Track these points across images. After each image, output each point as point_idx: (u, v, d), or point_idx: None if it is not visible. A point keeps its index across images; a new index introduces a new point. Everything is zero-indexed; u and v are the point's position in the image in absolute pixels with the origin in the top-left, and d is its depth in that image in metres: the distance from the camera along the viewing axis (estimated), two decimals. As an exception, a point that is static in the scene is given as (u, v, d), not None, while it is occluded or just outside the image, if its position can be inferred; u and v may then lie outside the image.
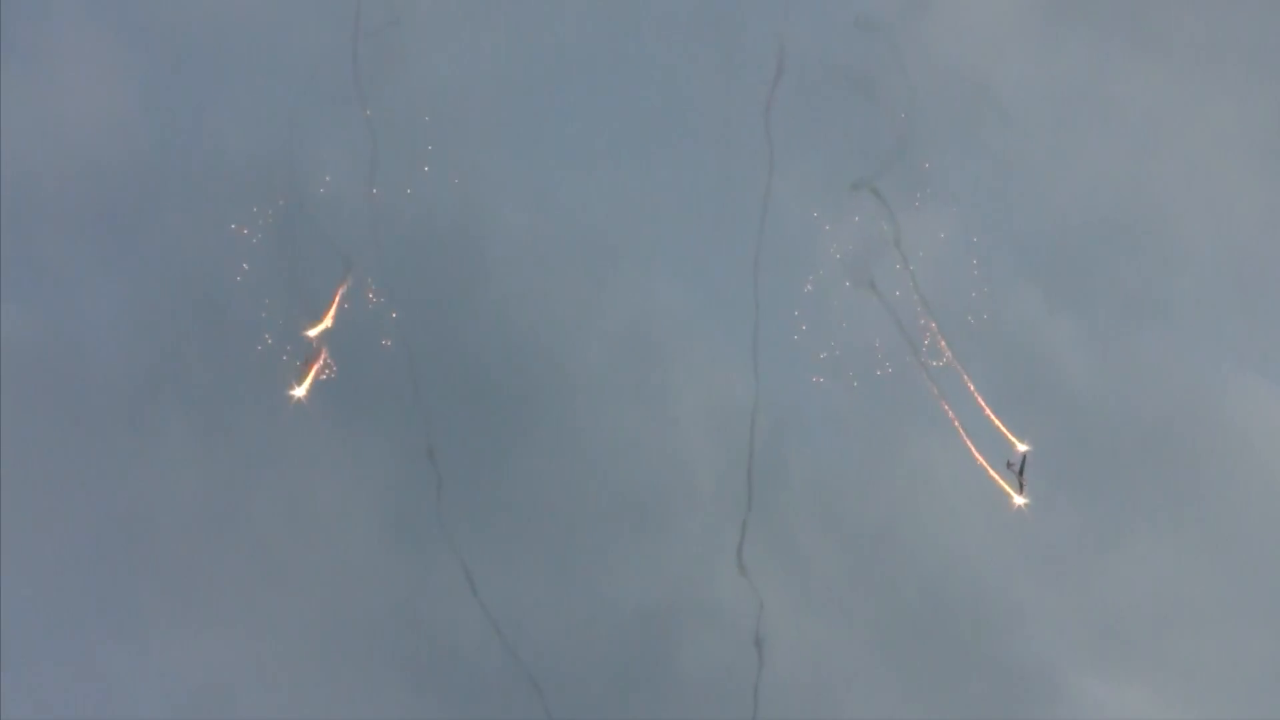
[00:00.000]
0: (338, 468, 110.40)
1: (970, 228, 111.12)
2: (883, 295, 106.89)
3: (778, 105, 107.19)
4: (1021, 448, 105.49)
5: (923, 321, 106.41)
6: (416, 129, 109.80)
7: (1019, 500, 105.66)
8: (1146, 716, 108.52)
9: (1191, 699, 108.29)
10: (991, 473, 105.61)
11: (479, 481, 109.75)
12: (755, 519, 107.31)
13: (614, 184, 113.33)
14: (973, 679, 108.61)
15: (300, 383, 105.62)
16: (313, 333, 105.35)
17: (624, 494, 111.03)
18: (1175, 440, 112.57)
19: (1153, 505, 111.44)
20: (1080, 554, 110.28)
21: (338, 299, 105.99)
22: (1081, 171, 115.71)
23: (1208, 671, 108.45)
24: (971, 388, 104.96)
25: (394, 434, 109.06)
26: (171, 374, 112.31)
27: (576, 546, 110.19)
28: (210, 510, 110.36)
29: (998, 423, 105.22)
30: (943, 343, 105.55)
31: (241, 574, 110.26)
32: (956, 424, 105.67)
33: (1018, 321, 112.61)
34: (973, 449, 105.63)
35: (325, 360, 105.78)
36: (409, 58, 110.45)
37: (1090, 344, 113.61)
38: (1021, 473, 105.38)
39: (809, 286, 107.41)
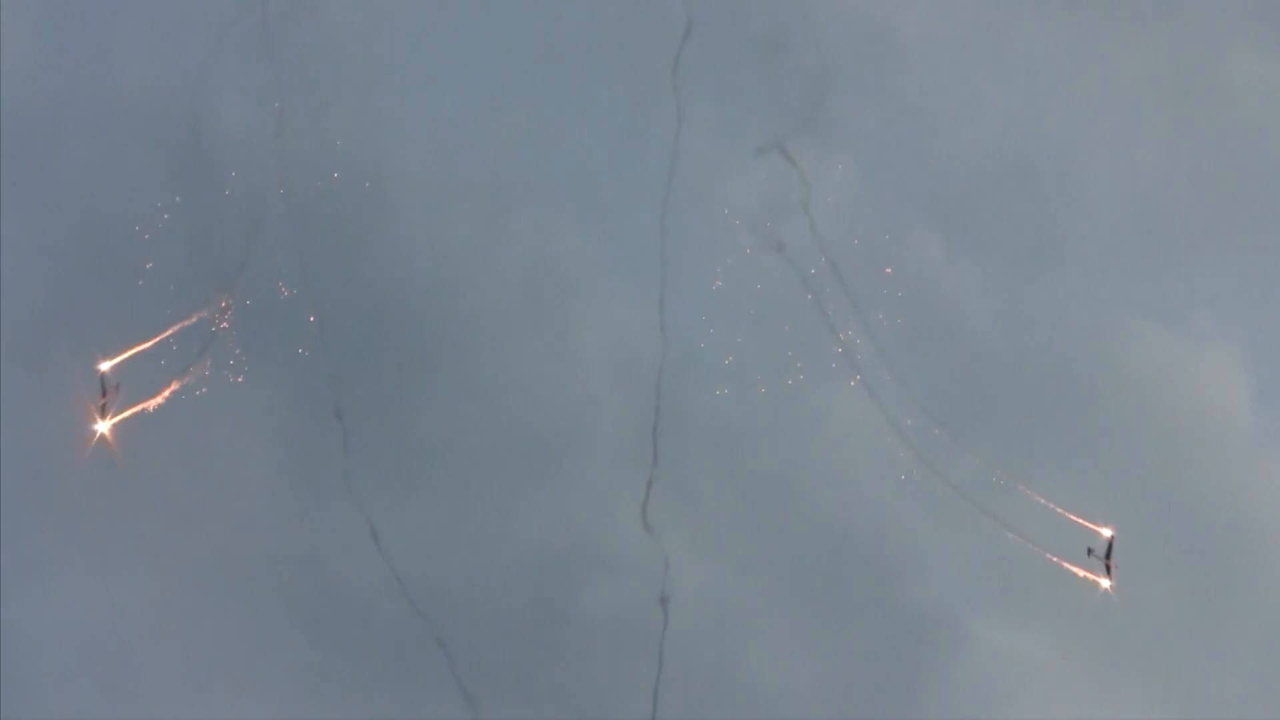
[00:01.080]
0: (242, 418, 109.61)
1: (875, 177, 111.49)
2: (790, 256, 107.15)
3: (686, 59, 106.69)
4: (1106, 533, 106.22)
5: (828, 297, 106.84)
6: (320, 73, 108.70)
7: (1105, 584, 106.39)
8: (1044, 664, 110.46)
9: (1089, 647, 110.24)
10: (1071, 567, 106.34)
11: (385, 436, 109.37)
12: (660, 475, 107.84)
13: (518, 130, 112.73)
14: (876, 632, 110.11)
15: (102, 417, 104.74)
16: (105, 366, 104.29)
17: (528, 448, 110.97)
18: (1074, 386, 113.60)
19: (1052, 451, 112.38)
20: (978, 500, 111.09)
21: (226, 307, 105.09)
22: (982, 118, 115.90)
23: (1107, 619, 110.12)
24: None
25: (300, 389, 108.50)
26: (66, 318, 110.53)
27: (482, 502, 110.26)
28: (109, 454, 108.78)
29: (1074, 517, 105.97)
30: (853, 341, 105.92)
31: (141, 521, 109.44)
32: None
33: (919, 269, 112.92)
34: (1042, 551, 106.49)
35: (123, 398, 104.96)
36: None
37: (990, 291, 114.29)
38: (1108, 556, 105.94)
39: (718, 282, 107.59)
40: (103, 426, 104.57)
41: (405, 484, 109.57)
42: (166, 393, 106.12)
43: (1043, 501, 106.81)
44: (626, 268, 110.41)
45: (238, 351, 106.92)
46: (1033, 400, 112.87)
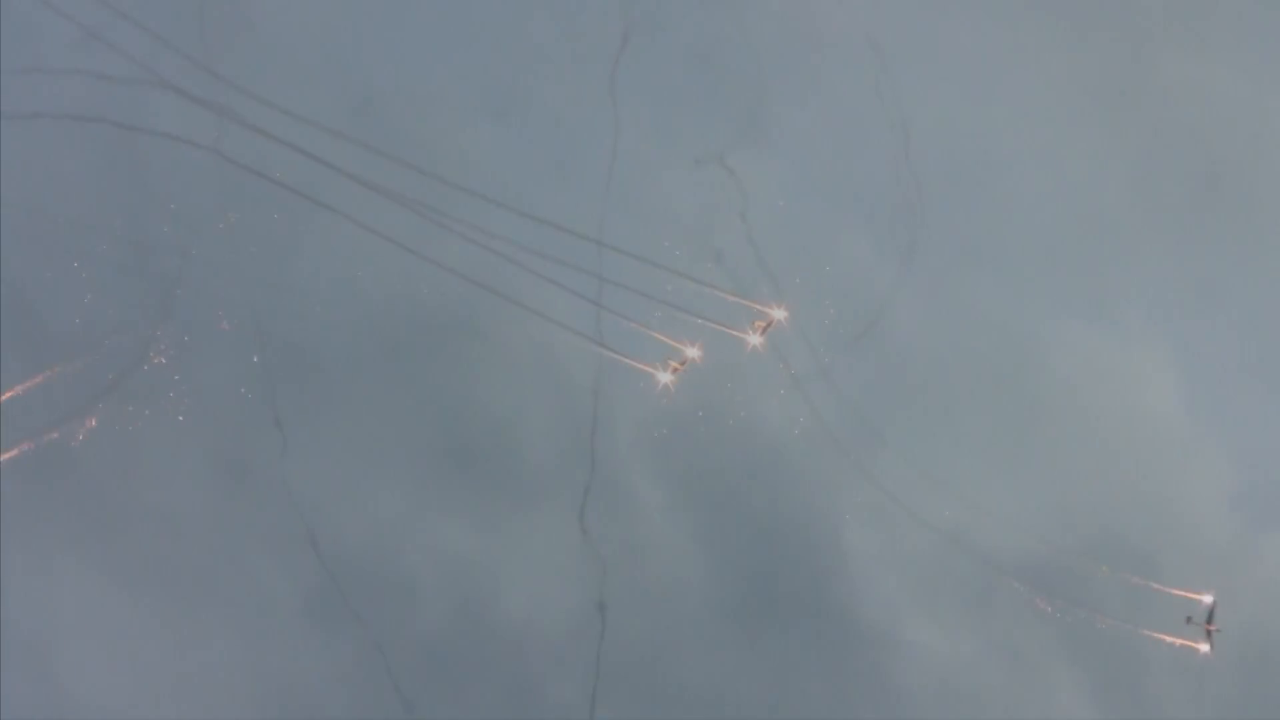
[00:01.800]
0: (180, 428, 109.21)
1: (810, 183, 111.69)
2: (727, 265, 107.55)
3: (623, 69, 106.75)
4: (1207, 600, 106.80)
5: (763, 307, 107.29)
6: (259, 82, 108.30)
7: (1204, 649, 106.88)
8: (972, 667, 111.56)
9: (1022, 652, 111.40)
10: (1169, 639, 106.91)
11: (323, 442, 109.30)
12: (598, 481, 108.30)
13: (456, 139, 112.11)
14: (813, 638, 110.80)
15: None
16: None
17: (466, 454, 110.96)
18: (1004, 389, 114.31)
19: (982, 454, 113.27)
20: (911, 503, 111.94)
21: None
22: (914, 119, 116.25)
23: (1039, 624, 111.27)
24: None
25: (239, 399, 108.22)
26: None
27: (420, 507, 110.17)
28: (44, 450, 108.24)
29: (1175, 590, 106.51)
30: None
31: (75, 517, 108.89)
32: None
33: (851, 269, 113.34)
34: (1124, 623, 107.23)
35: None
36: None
37: (920, 292, 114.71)
38: (1210, 620, 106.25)
39: (657, 313, 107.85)
40: None
41: (343, 489, 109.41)
42: (101, 410, 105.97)
43: (1140, 581, 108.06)
44: (564, 277, 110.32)
45: (176, 378, 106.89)
46: (963, 400, 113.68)
